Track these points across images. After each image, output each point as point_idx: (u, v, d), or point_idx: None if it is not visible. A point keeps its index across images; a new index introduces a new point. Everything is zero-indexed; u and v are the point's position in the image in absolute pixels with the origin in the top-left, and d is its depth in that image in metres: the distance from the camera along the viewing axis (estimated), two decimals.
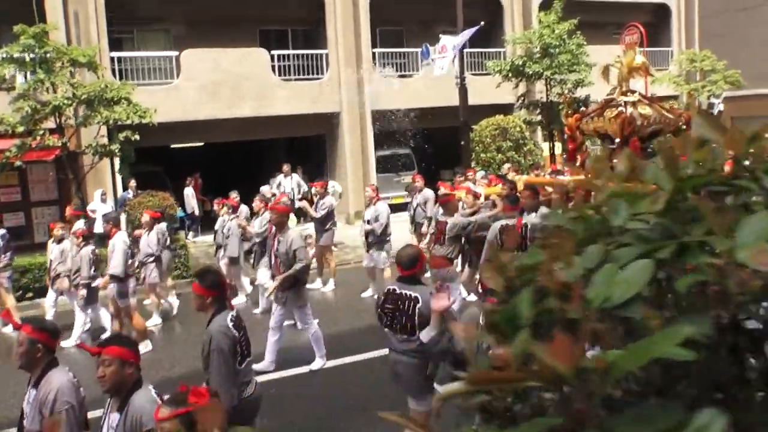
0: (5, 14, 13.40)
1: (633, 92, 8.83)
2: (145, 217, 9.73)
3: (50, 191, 15.52)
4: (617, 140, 8.51)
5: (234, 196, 11.47)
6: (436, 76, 17.09)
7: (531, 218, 7.51)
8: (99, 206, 13.35)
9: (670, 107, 9.31)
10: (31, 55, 11.16)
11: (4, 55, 11.64)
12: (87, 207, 13.12)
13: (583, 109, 8.87)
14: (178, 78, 16.23)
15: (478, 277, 6.86)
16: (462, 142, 15.68)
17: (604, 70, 9.15)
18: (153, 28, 17.46)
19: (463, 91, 15.62)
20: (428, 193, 11.89)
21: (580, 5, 17.59)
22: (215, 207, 11.41)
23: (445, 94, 18.36)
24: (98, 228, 12.93)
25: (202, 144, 18.36)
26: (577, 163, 9.37)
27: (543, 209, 7.62)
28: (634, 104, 8.59)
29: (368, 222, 10.59)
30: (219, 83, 16.49)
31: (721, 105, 20.95)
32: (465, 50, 16.70)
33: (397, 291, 4.88)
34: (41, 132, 11.34)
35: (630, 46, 20.66)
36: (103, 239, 12.56)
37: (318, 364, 7.60)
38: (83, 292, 8.56)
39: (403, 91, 18.90)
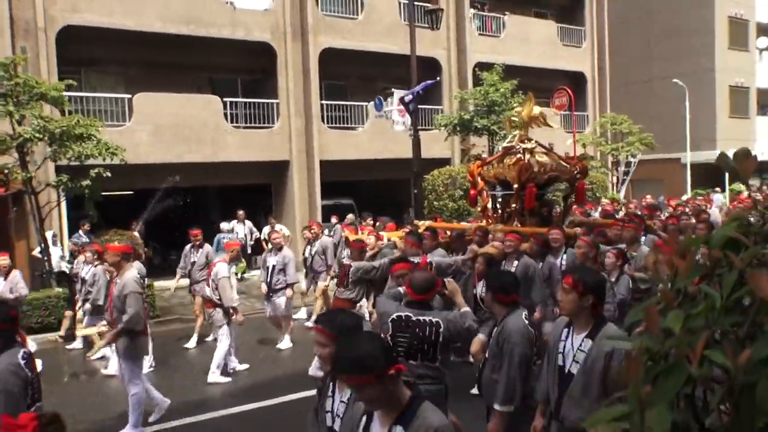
0: None
1: (530, 140, 9.10)
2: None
3: None
4: (515, 186, 8.78)
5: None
6: (381, 129, 17.67)
7: (432, 257, 7.59)
8: (51, 248, 12.66)
9: (566, 156, 9.67)
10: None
11: None
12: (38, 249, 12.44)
13: (483, 156, 9.22)
14: (130, 120, 15.85)
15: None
16: (415, 191, 16.15)
17: (506, 119, 9.51)
18: (101, 69, 17.03)
19: (416, 142, 16.19)
20: (326, 240, 11.70)
21: (506, 69, 18.87)
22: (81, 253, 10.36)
23: (389, 147, 18.99)
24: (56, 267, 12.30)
25: (132, 192, 17.78)
26: (478, 209, 9.74)
27: (440, 250, 7.95)
28: (531, 152, 8.91)
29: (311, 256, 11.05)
30: (171, 128, 16.25)
31: (634, 165, 22.82)
32: (409, 105, 17.43)
33: (413, 318, 4.48)
34: (8, 166, 10.74)
35: (560, 107, 22.42)
36: (61, 278, 11.94)
37: None
38: None
39: (351, 143, 19.35)
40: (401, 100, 16.09)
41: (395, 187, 21.31)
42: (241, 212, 16.39)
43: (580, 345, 3.70)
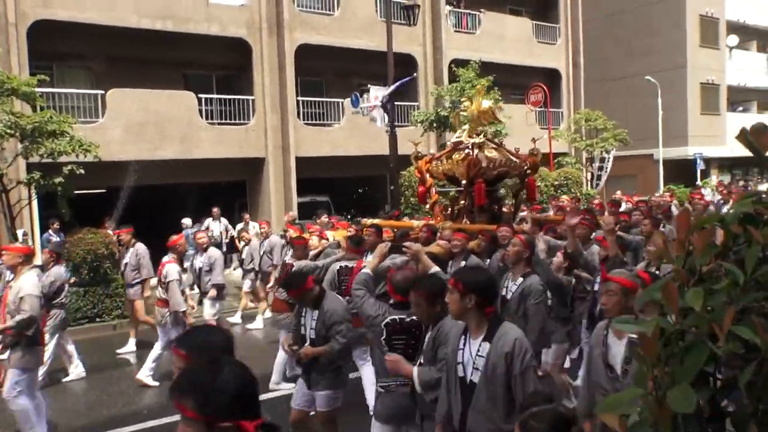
0: None
1: (480, 135, 8.80)
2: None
3: None
4: (463, 182, 8.49)
5: None
6: (357, 126, 17.65)
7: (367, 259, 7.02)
8: None
9: (516, 152, 9.24)
10: None
11: None
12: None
13: (432, 152, 8.82)
14: (103, 117, 15.65)
15: None
16: (392, 187, 16.19)
17: (455, 115, 9.23)
18: (73, 65, 16.79)
19: (393, 139, 16.22)
20: (275, 240, 11.23)
21: (482, 65, 18.95)
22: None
23: (365, 143, 19.00)
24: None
25: (104, 190, 17.54)
26: (427, 206, 9.29)
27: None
28: (480, 147, 8.60)
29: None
30: (145, 124, 16.09)
31: (610, 161, 23.06)
32: (387, 102, 17.45)
33: (406, 319, 4.38)
34: None
35: (535, 103, 22.57)
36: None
37: None
38: None
39: (327, 140, 19.31)
40: (378, 97, 16.14)
41: (372, 184, 21.33)
42: (215, 209, 16.28)
43: (478, 350, 3.47)
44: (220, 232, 16.17)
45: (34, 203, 13.60)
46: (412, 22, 16.83)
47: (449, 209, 9.14)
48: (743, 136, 1.45)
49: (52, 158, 11.13)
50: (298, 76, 19.10)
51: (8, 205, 11.49)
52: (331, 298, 5.39)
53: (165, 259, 8.26)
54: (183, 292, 8.11)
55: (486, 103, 9.06)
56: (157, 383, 8.05)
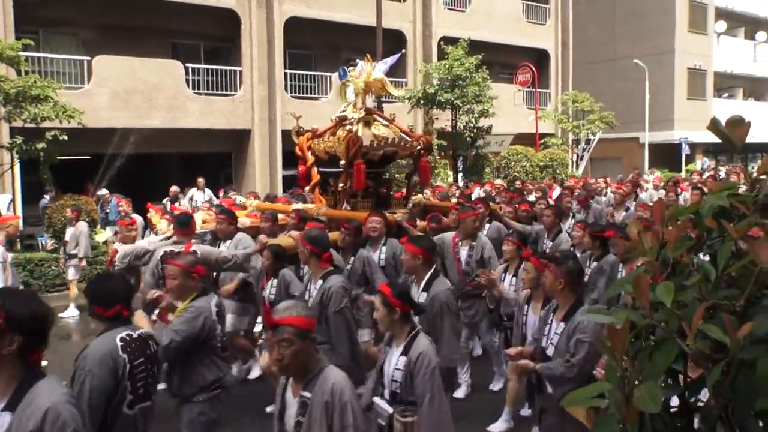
0: None
1: (368, 110, 7.83)
2: None
3: None
4: (342, 162, 7.39)
5: None
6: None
7: (226, 246, 6.53)
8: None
9: (410, 130, 8.38)
10: None
11: None
12: None
13: (314, 127, 8.02)
14: (89, 83, 15.56)
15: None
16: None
17: (341, 86, 8.25)
18: (60, 30, 16.62)
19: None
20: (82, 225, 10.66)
21: (471, 44, 18.99)
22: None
23: None
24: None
25: (89, 157, 17.46)
26: (307, 188, 8.41)
27: (240, 235, 6.69)
28: (368, 123, 7.62)
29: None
30: (131, 92, 16.03)
31: (593, 143, 23.28)
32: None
33: None
34: None
35: (523, 83, 22.63)
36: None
37: None
38: None
39: (314, 113, 19.27)
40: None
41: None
42: (201, 180, 16.29)
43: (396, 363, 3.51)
44: (204, 203, 16.20)
45: (17, 168, 13.58)
46: None
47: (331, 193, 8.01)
48: (714, 126, 1.41)
49: (35, 123, 11.10)
50: (287, 49, 19.04)
51: None
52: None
53: None
54: None
55: (378, 73, 7.87)
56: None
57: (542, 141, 22.55)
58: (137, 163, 17.51)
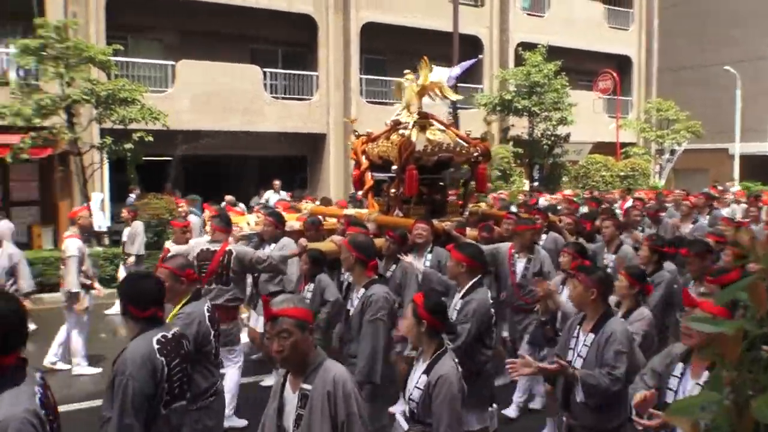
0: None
1: (422, 114, 7.50)
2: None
3: (31, 191, 15.03)
4: (394, 167, 7.20)
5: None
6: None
7: (270, 248, 6.37)
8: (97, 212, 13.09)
9: (467, 136, 7.98)
10: (50, 50, 11.03)
11: (10, 49, 11.45)
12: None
13: (369, 131, 7.77)
14: (173, 87, 16.16)
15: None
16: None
17: (396, 86, 7.96)
18: (146, 36, 17.37)
19: (455, 120, 16.16)
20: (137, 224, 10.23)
21: (551, 50, 18.59)
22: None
23: None
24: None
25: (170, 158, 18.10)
26: (360, 192, 8.15)
27: (285, 240, 6.47)
28: (423, 128, 7.34)
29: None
30: (211, 95, 16.53)
31: (678, 154, 22.31)
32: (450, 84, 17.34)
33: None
34: (56, 126, 11.16)
35: (604, 91, 21.96)
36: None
37: None
38: None
39: (388, 118, 19.32)
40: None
41: None
42: (277, 182, 16.57)
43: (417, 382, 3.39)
44: (257, 205, 16.50)
45: (106, 167, 14.22)
46: (479, 3, 16.64)
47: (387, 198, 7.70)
48: None
49: (123, 124, 11.60)
50: (363, 54, 19.20)
51: (82, 168, 12.06)
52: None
53: (67, 233, 7.55)
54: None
55: (435, 76, 7.60)
56: (98, 369, 7.35)
57: (623, 150, 21.81)
58: (215, 165, 18.07)
